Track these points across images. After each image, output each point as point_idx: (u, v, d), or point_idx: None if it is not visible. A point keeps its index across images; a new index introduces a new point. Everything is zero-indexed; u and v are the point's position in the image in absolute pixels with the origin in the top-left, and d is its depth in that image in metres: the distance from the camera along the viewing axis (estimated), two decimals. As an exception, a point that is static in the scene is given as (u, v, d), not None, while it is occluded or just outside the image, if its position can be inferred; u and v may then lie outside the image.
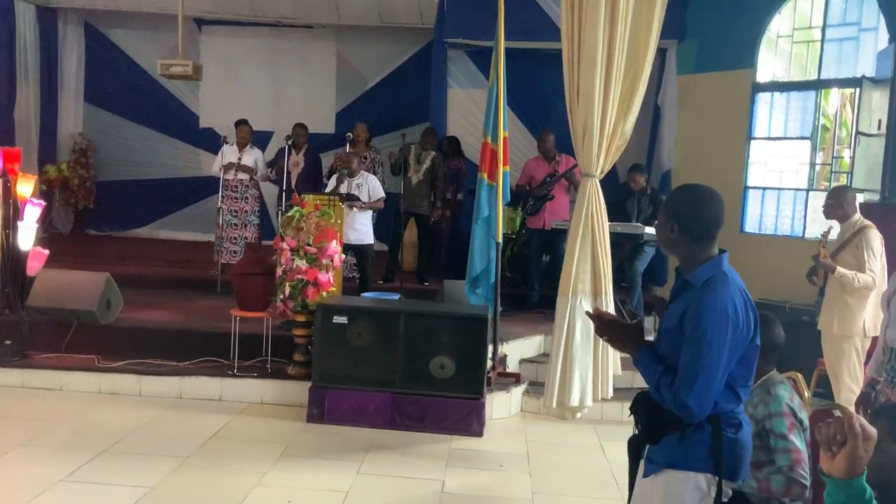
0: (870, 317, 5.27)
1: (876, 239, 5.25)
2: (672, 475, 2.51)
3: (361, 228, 7.36)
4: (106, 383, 6.06)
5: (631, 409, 2.63)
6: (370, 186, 7.40)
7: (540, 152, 8.10)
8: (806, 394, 3.52)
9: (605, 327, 2.68)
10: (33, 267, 6.22)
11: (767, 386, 3.18)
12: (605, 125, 4.91)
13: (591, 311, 2.82)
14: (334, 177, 7.46)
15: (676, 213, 2.57)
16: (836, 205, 5.43)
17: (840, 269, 5.23)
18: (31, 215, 6.22)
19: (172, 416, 5.64)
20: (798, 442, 3.03)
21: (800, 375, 3.63)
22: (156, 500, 4.23)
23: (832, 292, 5.40)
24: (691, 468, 2.48)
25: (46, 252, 6.27)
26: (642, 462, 2.71)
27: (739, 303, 2.44)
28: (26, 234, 6.18)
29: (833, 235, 5.52)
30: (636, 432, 2.69)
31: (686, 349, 2.42)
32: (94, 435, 5.13)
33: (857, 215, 5.38)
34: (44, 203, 6.46)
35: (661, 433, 2.51)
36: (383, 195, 7.57)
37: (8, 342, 6.17)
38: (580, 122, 4.94)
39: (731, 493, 2.56)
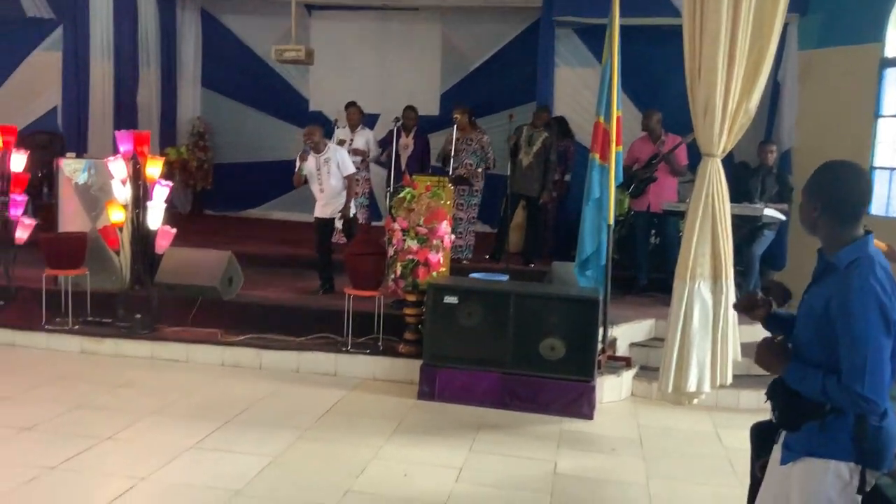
0: None
1: None
2: (812, 463, 2.43)
3: (339, 200, 7.29)
4: (228, 356, 6.34)
5: (767, 395, 2.56)
6: (339, 160, 7.24)
7: (644, 131, 7.92)
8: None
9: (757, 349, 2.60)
10: (161, 245, 6.55)
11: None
12: (728, 103, 4.74)
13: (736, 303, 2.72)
14: (297, 156, 7.30)
15: (820, 193, 2.48)
16: None
17: None
18: (160, 195, 6.54)
19: (291, 390, 5.86)
20: None
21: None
22: (279, 468, 4.42)
23: None
24: (833, 456, 2.40)
25: (174, 231, 6.59)
26: (776, 448, 2.63)
27: (888, 286, 2.34)
28: (155, 214, 6.51)
29: None
30: (772, 419, 2.61)
31: (843, 341, 2.33)
32: (219, 405, 5.39)
33: None
34: (171, 184, 6.77)
35: (800, 420, 2.43)
36: (353, 170, 7.42)
37: (138, 316, 6.54)
38: (701, 101, 4.79)
39: (874, 482, 2.46)
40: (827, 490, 2.40)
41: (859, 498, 2.42)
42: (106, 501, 3.87)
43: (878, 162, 7.95)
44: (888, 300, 2.32)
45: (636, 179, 7.83)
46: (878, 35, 7.82)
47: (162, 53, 11.36)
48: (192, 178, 11.58)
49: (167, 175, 6.75)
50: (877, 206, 7.98)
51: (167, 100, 11.50)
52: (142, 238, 6.62)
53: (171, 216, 6.89)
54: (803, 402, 2.41)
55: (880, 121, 7.93)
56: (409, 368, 6.00)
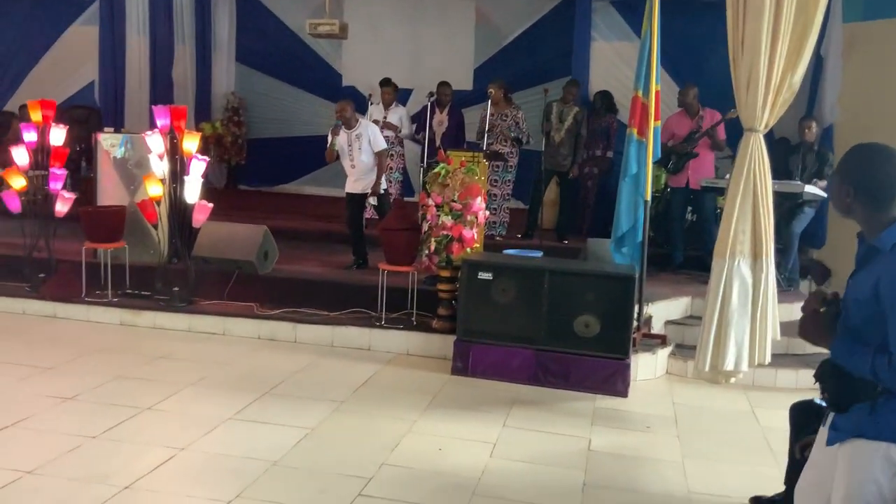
0: None
1: None
2: (861, 445, 2.38)
3: (370, 176, 7.26)
4: (265, 329, 6.41)
5: (816, 376, 2.51)
6: (371, 136, 7.19)
7: (681, 107, 7.80)
8: None
9: (801, 321, 2.54)
10: (198, 219, 6.60)
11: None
12: (771, 77, 4.63)
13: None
14: (329, 130, 7.25)
15: (851, 177, 2.43)
16: None
17: None
18: (197, 170, 6.58)
19: (326, 363, 5.91)
20: None
21: None
22: (316, 440, 4.46)
23: None
24: (883, 438, 2.34)
25: (210, 205, 6.64)
26: (822, 430, 2.59)
27: None
28: (192, 188, 6.56)
29: None
30: (820, 400, 2.57)
31: (893, 320, 2.27)
32: (256, 377, 5.45)
33: None
34: (207, 159, 6.81)
35: (850, 402, 2.39)
36: (385, 146, 7.37)
37: (176, 289, 6.62)
38: (744, 74, 4.68)
39: (924, 466, 2.41)
40: (875, 472, 2.36)
41: (908, 482, 2.37)
42: (146, 470, 3.94)
43: (923, 139, 7.75)
44: None
45: (675, 155, 7.72)
46: (926, 6, 7.59)
47: (196, 28, 11.36)
48: (227, 152, 11.62)
49: (202, 150, 6.81)
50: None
51: (202, 75, 11.52)
52: (179, 212, 6.68)
53: (206, 191, 6.94)
54: (855, 383, 2.36)
55: (927, 96, 7.71)
56: (443, 344, 6.02)
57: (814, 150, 7.32)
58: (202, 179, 6.68)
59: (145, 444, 4.29)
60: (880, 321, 2.31)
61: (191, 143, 6.60)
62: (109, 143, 7.40)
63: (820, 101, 8.25)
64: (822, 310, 2.50)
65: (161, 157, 6.61)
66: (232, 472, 4.02)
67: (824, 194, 7.06)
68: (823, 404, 2.59)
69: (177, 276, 6.73)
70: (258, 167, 11.91)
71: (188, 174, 6.57)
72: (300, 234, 8.57)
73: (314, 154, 11.53)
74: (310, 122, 11.76)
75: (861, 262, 2.49)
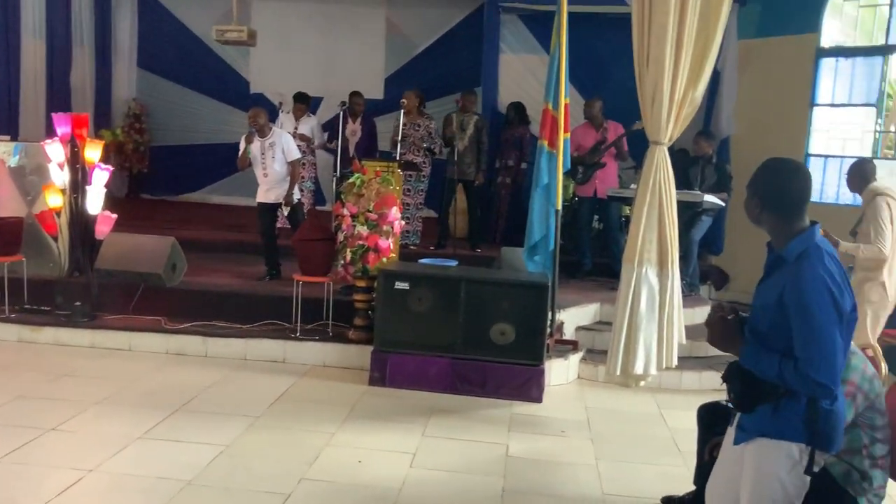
0: (892, 286, 5.35)
1: (882, 208, 5.25)
2: (765, 443, 2.53)
3: (283, 185, 7.21)
4: (173, 344, 6.22)
5: (723, 378, 2.64)
6: (284, 145, 7.14)
7: (586, 119, 8.04)
8: (883, 365, 3.48)
9: (710, 329, 2.67)
10: (101, 230, 6.37)
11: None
12: (675, 92, 4.83)
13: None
14: (243, 137, 7.15)
15: (760, 190, 2.59)
16: (851, 179, 5.57)
17: (843, 243, 5.29)
18: (100, 180, 6.35)
19: (239, 377, 5.78)
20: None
21: (877, 346, 3.60)
22: (231, 457, 4.36)
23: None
24: (785, 437, 2.50)
25: (114, 216, 6.41)
26: (729, 430, 2.73)
27: (837, 274, 2.45)
28: (95, 199, 6.32)
29: None
30: (727, 401, 2.70)
31: (798, 329, 2.42)
32: (166, 394, 5.29)
33: (873, 185, 5.40)
34: (111, 168, 6.58)
35: (755, 403, 2.52)
36: (298, 155, 7.33)
37: (78, 303, 6.36)
38: (649, 89, 4.87)
39: (822, 463, 2.57)
40: (778, 470, 2.50)
41: (808, 478, 2.52)
42: (53, 494, 3.76)
43: (812, 149, 8.24)
44: (837, 288, 2.42)
45: (583, 166, 7.94)
46: (814, 25, 8.09)
47: (96, 32, 10.97)
48: (128, 160, 11.28)
49: (103, 158, 6.57)
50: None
51: (102, 80, 11.14)
52: (81, 223, 6.42)
53: (108, 201, 6.69)
54: (759, 386, 2.50)
55: (815, 109, 8.22)
56: (360, 355, 5.99)
57: (712, 161, 7.66)
58: (105, 189, 6.44)
59: (51, 466, 4.10)
60: (785, 328, 2.45)
61: (93, 151, 6.37)
62: (2, 151, 7.05)
63: (717, 114, 8.65)
64: (729, 317, 2.63)
65: (61, 167, 6.34)
66: (143, 492, 3.89)
67: (722, 203, 7.41)
68: (730, 406, 2.73)
69: (79, 290, 6.45)
70: (162, 176, 11.61)
71: (90, 184, 6.33)
72: (209, 245, 8.35)
73: (221, 162, 11.36)
74: (216, 130, 11.54)
75: (769, 270, 2.63)
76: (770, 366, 2.47)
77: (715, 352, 6.53)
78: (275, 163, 7.12)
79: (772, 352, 2.48)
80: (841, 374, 2.44)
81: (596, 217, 8.57)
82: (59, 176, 6.36)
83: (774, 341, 2.50)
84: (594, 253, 8.33)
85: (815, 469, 2.51)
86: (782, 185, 2.56)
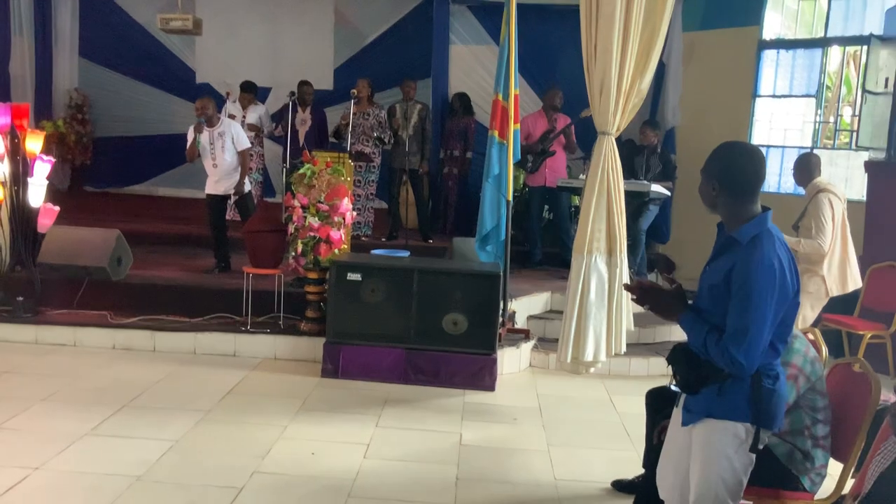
0: (831, 280, 5.52)
1: (825, 204, 5.37)
2: (711, 424, 2.60)
3: (233, 176, 7.16)
4: (120, 339, 6.11)
5: (668, 360, 2.70)
6: (234, 134, 7.10)
7: (547, 109, 8.08)
8: (823, 349, 3.60)
9: (647, 295, 2.73)
10: (44, 224, 6.21)
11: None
12: (622, 82, 4.91)
13: (628, 283, 2.86)
14: (191, 127, 7.07)
15: (717, 173, 2.62)
16: (797, 171, 5.66)
17: (785, 237, 5.37)
18: (41, 172, 6.19)
19: (189, 371, 5.71)
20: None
21: (818, 331, 3.72)
22: (181, 452, 4.31)
23: None
24: (730, 417, 2.57)
25: (57, 209, 6.26)
26: (676, 411, 2.79)
27: (785, 260, 2.51)
28: (36, 191, 6.16)
29: None
30: (672, 384, 2.77)
31: (734, 305, 2.48)
32: (113, 390, 5.19)
33: (817, 180, 5.50)
34: (53, 160, 6.41)
35: (700, 384, 2.59)
36: (248, 145, 7.29)
37: (20, 298, 6.20)
38: (597, 80, 4.94)
39: (766, 441, 2.65)
40: (725, 448, 2.58)
41: (753, 455, 2.60)
42: (-3, 494, 3.68)
43: (755, 139, 8.45)
44: (784, 275, 2.49)
45: (532, 155, 7.99)
46: (756, 18, 8.28)
47: (36, 20, 10.62)
48: (71, 152, 10.97)
49: (45, 150, 6.39)
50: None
51: (42, 70, 10.79)
52: (22, 216, 6.25)
53: (50, 193, 6.52)
54: (703, 367, 2.56)
55: (758, 100, 8.42)
56: (312, 347, 5.97)
57: (657, 152, 7.79)
58: (47, 181, 6.27)
59: (-6, 466, 4.00)
60: (724, 305, 2.52)
61: (34, 143, 6.20)
62: (-62, 142, 6.80)
63: (662, 105, 8.80)
64: (675, 285, 2.71)
65: (1, 159, 6.15)
66: (92, 489, 3.81)
67: (668, 193, 7.54)
68: (677, 389, 2.79)
69: (21, 285, 6.28)
70: (106, 167, 11.32)
71: (32, 176, 6.16)
72: (156, 238, 8.22)
73: (167, 153, 11.14)
74: (161, 121, 11.28)
75: (719, 251, 2.68)
76: (699, 333, 2.56)
77: (662, 338, 6.70)
78: (225, 153, 7.02)
79: (705, 323, 2.56)
80: (760, 359, 2.50)
81: (546, 207, 8.65)
82: (-1, 168, 6.18)
83: (711, 316, 2.58)
84: (544, 243, 8.41)
85: (760, 447, 2.60)
86: (737, 167, 2.59)
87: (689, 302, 2.70)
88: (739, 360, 2.45)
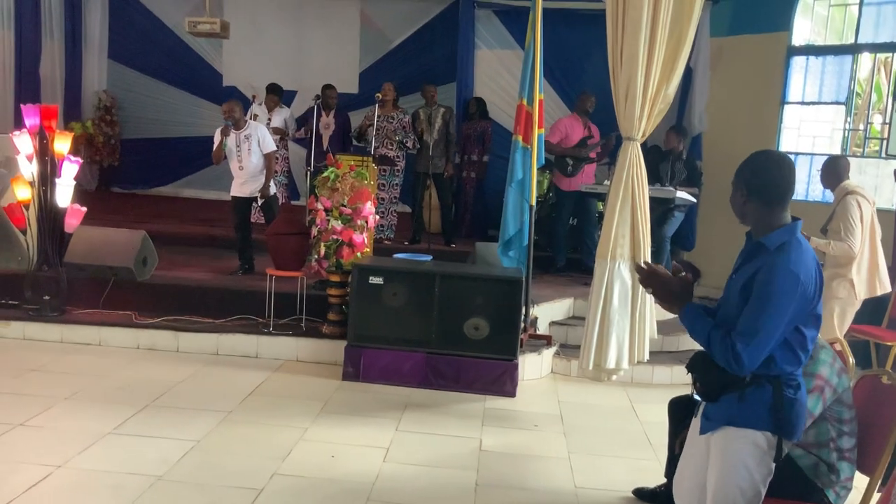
0: (860, 283, 5.44)
1: (853, 206, 5.29)
2: (731, 432, 2.56)
3: (258, 179, 7.14)
4: (144, 339, 6.15)
5: (689, 367, 2.67)
6: (260, 137, 7.09)
7: (579, 113, 8.03)
8: (850, 360, 3.54)
9: (654, 279, 2.71)
10: (71, 224, 6.27)
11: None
12: (648, 88, 4.88)
13: (642, 264, 2.85)
14: (218, 130, 7.09)
15: (747, 180, 2.60)
16: (825, 174, 5.60)
17: (814, 239, 5.36)
18: (69, 172, 6.25)
19: (211, 372, 5.74)
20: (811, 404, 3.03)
21: (844, 342, 3.66)
22: (203, 452, 4.33)
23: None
24: (750, 426, 2.53)
25: (84, 209, 6.31)
26: (695, 420, 2.76)
27: (812, 271, 2.48)
28: (64, 191, 6.22)
29: None
30: (692, 392, 2.73)
31: (751, 305, 2.46)
32: (136, 389, 5.23)
33: (845, 183, 5.43)
34: (80, 160, 6.48)
35: (720, 392, 2.56)
36: (274, 147, 7.28)
37: (47, 297, 6.26)
38: (623, 86, 4.91)
39: (786, 450, 2.61)
40: (745, 458, 2.54)
41: (773, 465, 2.57)
42: (21, 490, 3.71)
43: (783, 147, 8.35)
44: (810, 286, 2.46)
45: (573, 159, 7.94)
46: (785, 23, 8.18)
47: (66, 23, 10.80)
48: (98, 153, 11.13)
49: (72, 151, 6.46)
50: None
51: (72, 72, 10.97)
52: (50, 216, 6.31)
53: (78, 194, 6.60)
54: (724, 374, 2.53)
55: (786, 107, 8.32)
56: (334, 349, 5.97)
57: (682, 158, 7.73)
58: (74, 182, 6.34)
59: (18, 462, 4.03)
60: (740, 308, 2.50)
61: (62, 143, 6.26)
62: (-31, 142, 6.91)
63: (689, 111, 8.73)
64: (682, 274, 2.68)
65: (30, 159, 6.22)
66: (113, 488, 3.84)
67: (694, 200, 7.48)
68: (699, 398, 2.76)
69: (48, 284, 6.34)
70: (133, 169, 11.47)
71: (60, 176, 6.23)
72: (181, 239, 8.27)
73: (193, 155, 11.27)
74: (188, 123, 11.42)
75: (746, 258, 2.66)
76: (703, 326, 2.54)
77: (686, 346, 6.63)
78: (251, 155, 7.06)
79: (709, 317, 2.55)
80: (759, 363, 2.48)
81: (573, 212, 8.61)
82: (28, 168, 6.24)
83: (724, 317, 2.57)
84: (567, 248, 8.37)
85: (782, 457, 2.55)
86: (767, 175, 2.57)
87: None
88: (742, 356, 2.44)
